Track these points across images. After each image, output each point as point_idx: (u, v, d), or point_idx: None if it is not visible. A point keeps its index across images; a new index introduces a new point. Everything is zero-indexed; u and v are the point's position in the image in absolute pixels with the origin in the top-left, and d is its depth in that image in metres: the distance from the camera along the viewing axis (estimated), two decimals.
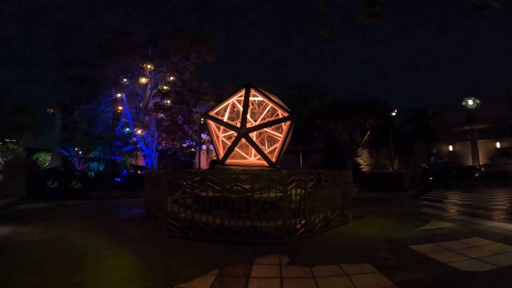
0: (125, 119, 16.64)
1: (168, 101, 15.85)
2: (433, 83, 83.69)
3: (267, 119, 6.26)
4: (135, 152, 18.97)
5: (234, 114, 6.61)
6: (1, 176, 10.41)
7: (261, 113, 6.55)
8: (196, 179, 4.58)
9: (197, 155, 19.66)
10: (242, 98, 5.96)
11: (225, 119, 6.31)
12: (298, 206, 4.40)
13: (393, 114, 18.26)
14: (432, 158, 14.34)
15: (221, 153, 6.23)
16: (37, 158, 21.18)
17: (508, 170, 15.83)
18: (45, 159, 26.29)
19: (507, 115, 17.15)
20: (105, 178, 12.75)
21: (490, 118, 17.71)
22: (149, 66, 15.21)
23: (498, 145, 17.61)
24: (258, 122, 6.36)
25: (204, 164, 20.45)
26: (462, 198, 9.19)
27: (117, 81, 15.31)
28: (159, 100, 15.97)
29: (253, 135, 6.17)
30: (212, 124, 6.30)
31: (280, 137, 6.10)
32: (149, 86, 15.83)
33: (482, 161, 18.04)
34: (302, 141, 18.29)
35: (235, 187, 4.36)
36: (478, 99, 18.48)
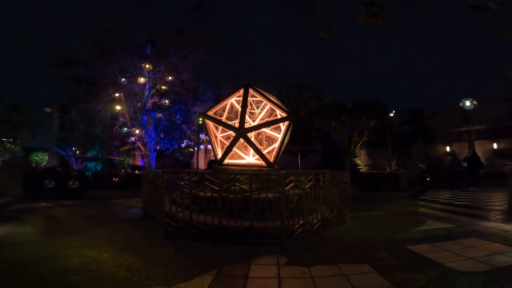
0: (123, 118, 16.59)
1: (167, 101, 15.81)
2: (431, 84, 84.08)
3: (266, 119, 6.27)
4: (133, 152, 18.90)
5: (232, 114, 6.60)
6: None
7: (259, 113, 6.55)
8: (194, 179, 4.57)
9: (195, 155, 19.65)
10: (241, 98, 5.96)
11: (223, 119, 6.31)
12: (296, 207, 4.40)
13: (391, 115, 18.29)
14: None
15: (219, 153, 6.22)
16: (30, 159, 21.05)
17: (505, 171, 15.91)
18: (42, 158, 26.15)
19: (504, 116, 17.25)
20: (102, 178, 12.69)
21: (487, 119, 17.80)
22: (147, 66, 15.15)
23: (495, 146, 17.70)
24: (256, 122, 6.36)
25: (202, 164, 20.40)
26: (459, 199, 9.23)
27: (115, 81, 15.24)
28: (158, 99, 15.93)
29: (252, 135, 6.17)
30: (210, 124, 6.29)
31: (278, 137, 6.11)
32: (147, 86, 15.77)
33: None
34: (300, 142, 18.29)
35: (233, 187, 4.36)
36: (476, 100, 18.57)
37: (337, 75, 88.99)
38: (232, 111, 6.62)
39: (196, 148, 18.87)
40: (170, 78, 16.29)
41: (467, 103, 18.67)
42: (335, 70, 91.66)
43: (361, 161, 21.05)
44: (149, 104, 15.65)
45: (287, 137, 5.98)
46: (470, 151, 13.79)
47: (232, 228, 4.12)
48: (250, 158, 6.38)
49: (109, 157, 17.08)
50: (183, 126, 15.94)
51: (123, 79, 15.46)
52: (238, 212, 4.33)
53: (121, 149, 17.13)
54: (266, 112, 6.46)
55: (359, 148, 17.74)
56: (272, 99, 6.21)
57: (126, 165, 18.86)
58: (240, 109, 6.02)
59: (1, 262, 3.25)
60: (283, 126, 6.00)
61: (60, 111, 19.95)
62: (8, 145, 19.66)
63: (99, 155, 19.63)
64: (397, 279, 2.77)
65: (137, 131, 15.93)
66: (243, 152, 6.42)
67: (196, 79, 17.46)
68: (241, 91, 6.03)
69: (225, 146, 6.09)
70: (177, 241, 4.15)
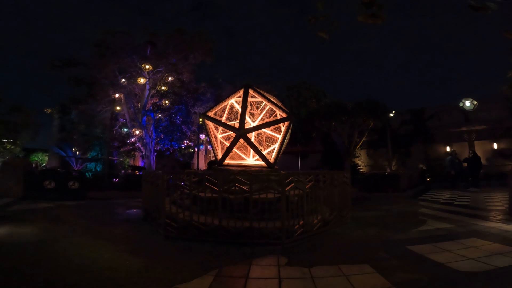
0: (123, 119, 16.58)
1: (167, 102, 15.82)
2: (431, 84, 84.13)
3: (266, 120, 6.27)
4: (133, 153, 18.87)
5: (232, 114, 6.61)
6: None
7: (259, 114, 6.56)
8: (194, 179, 4.57)
9: (195, 156, 19.63)
10: (241, 99, 5.96)
11: (223, 119, 6.31)
12: (296, 207, 4.40)
13: (391, 115, 18.32)
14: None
15: (220, 154, 6.22)
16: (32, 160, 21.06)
17: (505, 171, 15.91)
18: (42, 159, 26.15)
19: (504, 116, 17.25)
20: (102, 178, 12.69)
21: (487, 119, 17.80)
22: (147, 67, 15.15)
23: (495, 146, 17.70)
24: (256, 123, 6.36)
25: (202, 165, 20.39)
26: (460, 199, 9.22)
27: (115, 81, 15.23)
28: (158, 100, 15.94)
29: (252, 135, 6.17)
30: (210, 124, 6.29)
31: (278, 138, 6.10)
32: (147, 87, 15.76)
33: None
34: (300, 142, 18.28)
35: (234, 188, 4.36)
36: (475, 100, 18.58)
37: (337, 75, 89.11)
38: (232, 112, 6.62)
39: (196, 149, 18.85)
40: (170, 78, 16.29)
41: (467, 103, 18.67)
42: (335, 70, 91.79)
43: (361, 161, 21.05)
44: (149, 105, 15.65)
45: (287, 138, 5.98)
46: (471, 152, 13.78)
47: (232, 229, 4.12)
48: (250, 159, 6.38)
49: (109, 157, 17.08)
50: (183, 126, 15.94)
51: (123, 80, 15.46)
52: (238, 212, 4.33)
53: (121, 149, 17.12)
54: (266, 112, 6.47)
55: (359, 149, 17.77)
56: (272, 99, 6.22)
57: (126, 166, 18.84)
58: (240, 109, 6.02)
59: (2, 262, 3.25)
60: (283, 127, 6.00)
61: (60, 111, 19.92)
62: (8, 146, 19.64)
63: (99, 155, 19.62)
64: (398, 280, 2.76)
65: (137, 132, 15.92)
66: (243, 152, 6.42)
67: (196, 79, 17.47)
68: (241, 92, 6.03)
69: (225, 147, 6.09)
70: (178, 241, 4.15)
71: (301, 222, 4.35)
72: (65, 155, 20.05)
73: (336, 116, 14.05)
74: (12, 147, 19.72)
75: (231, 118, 6.55)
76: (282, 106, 6.14)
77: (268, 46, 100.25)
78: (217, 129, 6.47)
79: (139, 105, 15.84)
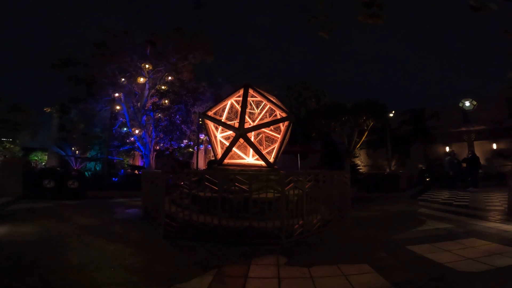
0: (123, 118, 16.58)
1: (166, 101, 15.82)
2: (430, 84, 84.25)
3: (265, 120, 6.27)
4: (132, 152, 18.89)
5: (232, 114, 6.61)
6: None
7: (259, 114, 6.56)
8: (194, 179, 4.57)
9: (195, 155, 19.63)
10: (241, 98, 5.96)
11: (223, 119, 6.31)
12: (296, 207, 4.40)
13: (391, 115, 18.32)
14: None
15: (219, 153, 6.22)
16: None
17: (504, 171, 15.92)
18: (42, 158, 26.15)
19: (503, 116, 17.27)
20: (102, 178, 12.68)
21: (487, 119, 17.81)
22: (147, 66, 15.17)
23: (494, 146, 17.71)
24: (256, 123, 6.36)
25: (202, 164, 20.38)
26: (459, 199, 9.23)
27: (115, 81, 15.23)
28: (157, 99, 15.94)
29: (251, 135, 6.17)
30: (210, 124, 6.29)
31: (278, 138, 6.11)
32: (147, 86, 15.77)
33: None
34: (300, 142, 18.29)
35: (233, 188, 4.36)
36: (475, 100, 18.59)
37: (337, 75, 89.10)
38: (232, 111, 6.62)
39: (196, 148, 18.85)
40: (169, 78, 16.30)
41: (467, 103, 18.68)
42: (335, 70, 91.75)
43: (361, 161, 21.05)
44: (148, 104, 15.65)
45: (286, 137, 5.98)
46: (470, 152, 13.79)
47: (231, 228, 4.12)
48: (250, 158, 6.38)
49: (109, 157, 17.07)
50: (182, 126, 15.94)
51: (123, 79, 15.45)
52: (238, 212, 4.33)
53: (121, 149, 17.13)
54: (265, 112, 6.47)
55: (358, 149, 17.77)
56: (271, 99, 6.22)
57: (126, 165, 18.84)
58: (240, 109, 6.02)
59: (1, 262, 3.25)
60: (282, 126, 6.00)
61: (59, 111, 19.92)
62: (8, 145, 19.65)
63: (99, 155, 19.62)
64: (397, 279, 2.77)
65: (136, 131, 15.92)
66: (243, 152, 6.42)
67: (196, 79, 17.48)
68: (241, 91, 6.03)
69: (225, 146, 6.09)
70: (177, 241, 4.14)
71: (301, 222, 4.35)
72: (64, 154, 20.06)
73: (335, 116, 14.05)
74: (12, 146, 19.72)
75: (231, 117, 6.55)
76: (282, 106, 6.14)
77: (268, 46, 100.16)
78: (217, 128, 6.47)
79: (138, 104, 15.83)
